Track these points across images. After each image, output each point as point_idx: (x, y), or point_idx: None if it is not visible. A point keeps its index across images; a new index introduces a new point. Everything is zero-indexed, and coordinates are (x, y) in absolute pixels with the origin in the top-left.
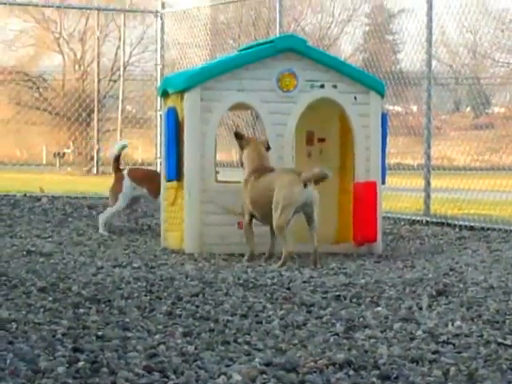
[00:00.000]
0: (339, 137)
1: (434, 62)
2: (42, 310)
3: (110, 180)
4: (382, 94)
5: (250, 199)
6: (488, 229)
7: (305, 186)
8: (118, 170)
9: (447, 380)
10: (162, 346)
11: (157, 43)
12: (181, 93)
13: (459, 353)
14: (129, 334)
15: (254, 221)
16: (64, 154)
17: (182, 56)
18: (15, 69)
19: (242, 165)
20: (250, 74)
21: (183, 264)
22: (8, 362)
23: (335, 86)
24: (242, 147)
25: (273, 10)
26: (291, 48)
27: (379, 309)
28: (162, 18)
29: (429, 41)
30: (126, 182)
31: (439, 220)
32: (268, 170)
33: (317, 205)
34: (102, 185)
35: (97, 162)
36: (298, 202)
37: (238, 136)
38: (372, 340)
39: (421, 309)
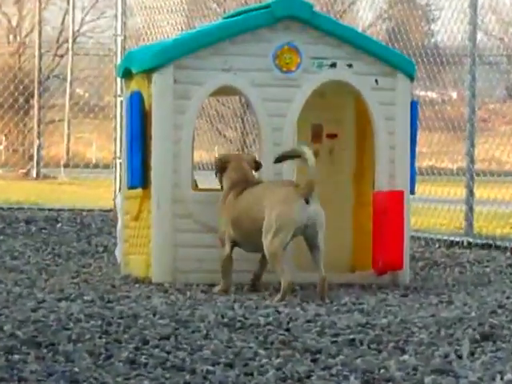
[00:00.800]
0: (355, 132)
1: (479, 35)
2: None
3: (54, 186)
4: (411, 77)
5: (230, 222)
6: None
7: (306, 201)
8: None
9: None
10: None
11: (116, 7)
12: (148, 73)
13: None
14: None
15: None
16: None
17: (150, 24)
18: None
19: (222, 189)
20: (239, 48)
21: (150, 297)
22: None
23: (350, 66)
24: (221, 170)
25: None
26: (292, 15)
27: (406, 357)
28: None
29: (473, 6)
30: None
31: (485, 241)
32: (252, 184)
33: (322, 226)
34: (43, 192)
35: (37, 163)
36: (298, 223)
37: (220, 162)
38: None
39: (460, 357)
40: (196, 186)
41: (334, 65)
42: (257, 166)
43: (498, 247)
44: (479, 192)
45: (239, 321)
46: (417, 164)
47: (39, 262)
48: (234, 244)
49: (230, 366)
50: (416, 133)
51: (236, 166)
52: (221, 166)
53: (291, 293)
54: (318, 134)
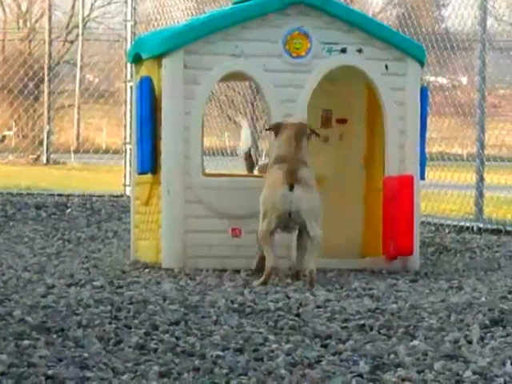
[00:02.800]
0: (365, 117)
1: (489, 20)
2: None
3: (64, 172)
4: (421, 62)
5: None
6: None
7: (291, 188)
8: (251, 169)
9: None
10: None
11: None
12: (158, 58)
13: None
14: (88, 374)
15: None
16: (4, 137)
17: (160, 10)
18: None
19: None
20: (249, 33)
21: (160, 282)
22: None
23: (360, 51)
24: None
25: None
26: (303, 0)
27: (416, 342)
28: None
29: None
30: None
31: (495, 227)
32: (287, 160)
33: (310, 213)
34: (53, 177)
35: (47, 148)
36: (280, 210)
37: (273, 128)
38: (406, 383)
39: (470, 343)
40: (204, 172)
41: (344, 50)
42: (313, 133)
43: (508, 232)
44: (489, 177)
45: (249, 306)
46: (427, 149)
47: (49, 247)
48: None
49: (240, 351)
50: (426, 118)
51: (287, 134)
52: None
53: (273, 277)
54: (329, 119)
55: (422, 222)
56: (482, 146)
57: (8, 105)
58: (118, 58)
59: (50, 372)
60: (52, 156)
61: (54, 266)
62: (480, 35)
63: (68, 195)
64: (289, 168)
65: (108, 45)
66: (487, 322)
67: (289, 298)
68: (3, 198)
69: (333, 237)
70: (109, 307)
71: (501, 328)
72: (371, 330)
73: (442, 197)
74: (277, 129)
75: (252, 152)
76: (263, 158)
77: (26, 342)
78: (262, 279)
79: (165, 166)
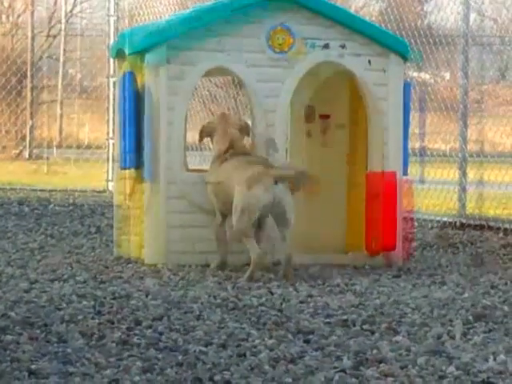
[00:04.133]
0: (348, 113)
1: (472, 16)
2: None
3: (46, 167)
4: (404, 57)
5: (213, 191)
6: None
7: (275, 182)
8: None
9: None
10: None
11: None
12: (141, 53)
13: None
14: (71, 369)
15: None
16: None
17: (143, 5)
18: None
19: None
20: (232, 29)
21: (142, 278)
22: None
23: (343, 46)
24: (209, 136)
25: None
26: None
27: (399, 338)
28: None
29: None
30: None
31: (478, 222)
32: (235, 154)
33: (289, 204)
34: (35, 173)
35: (30, 143)
36: (264, 202)
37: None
38: (389, 379)
39: (453, 338)
40: (187, 167)
41: (326, 46)
42: (246, 131)
43: (490, 228)
44: (472, 173)
45: (232, 302)
46: (409, 145)
47: (32, 242)
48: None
49: (223, 346)
50: (409, 114)
51: (222, 133)
52: (207, 132)
53: (260, 270)
54: (311, 114)
55: (405, 218)
56: (464, 141)
57: None
58: (101, 53)
59: (33, 367)
60: (34, 151)
61: (36, 261)
62: (463, 31)
63: (50, 190)
64: (272, 164)
65: (91, 40)
66: (470, 318)
67: (272, 293)
68: None
69: (316, 232)
70: (92, 302)
71: (484, 323)
72: (354, 325)
73: (425, 193)
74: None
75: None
76: None
77: (9, 337)
78: (247, 274)
79: (147, 161)
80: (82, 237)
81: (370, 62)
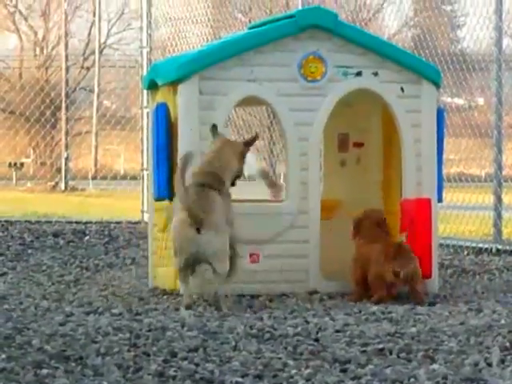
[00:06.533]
0: (382, 140)
1: (505, 40)
2: None
3: (82, 198)
4: (437, 84)
5: None
6: None
7: (198, 231)
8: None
9: None
10: None
11: (142, 19)
12: (173, 84)
13: None
14: None
15: None
16: (22, 164)
17: (176, 36)
18: None
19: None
20: (264, 58)
21: (178, 309)
22: None
23: (376, 74)
24: None
25: None
26: (317, 24)
27: (436, 366)
28: None
29: (498, 12)
30: None
31: None
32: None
33: (214, 255)
34: (71, 204)
35: (65, 175)
36: (188, 252)
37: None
38: None
39: (490, 365)
40: None
41: (359, 73)
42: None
43: None
44: (507, 198)
45: (268, 331)
46: (444, 171)
47: (67, 275)
48: None
49: (260, 377)
50: (443, 140)
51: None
52: None
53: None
54: (345, 143)
55: (441, 244)
56: (499, 167)
57: (25, 132)
58: (135, 84)
59: None
60: (70, 183)
61: (72, 294)
62: (496, 55)
63: (86, 222)
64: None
65: (124, 71)
66: (507, 345)
67: (308, 322)
68: (21, 226)
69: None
70: (127, 335)
71: None
72: (390, 353)
73: (461, 219)
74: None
75: (262, 174)
76: (282, 181)
77: (45, 371)
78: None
79: None
80: (117, 269)
81: (402, 89)
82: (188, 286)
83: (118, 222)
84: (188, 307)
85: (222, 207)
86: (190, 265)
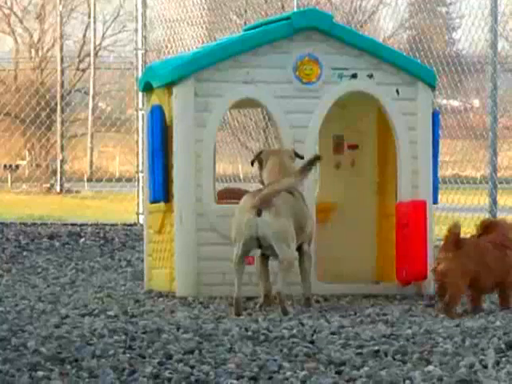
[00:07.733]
0: (377, 143)
1: (500, 42)
2: None
3: (78, 200)
4: (432, 86)
5: None
6: None
7: (258, 213)
8: None
9: None
10: None
11: (137, 21)
12: (169, 86)
13: None
14: None
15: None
16: (17, 166)
17: (171, 37)
18: None
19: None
20: (260, 60)
21: (174, 311)
22: None
23: (371, 76)
24: (261, 166)
25: None
26: (313, 26)
27: (431, 368)
28: None
29: (494, 14)
30: None
31: None
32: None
33: (278, 238)
34: (66, 206)
35: (60, 177)
36: (246, 236)
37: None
38: None
39: (485, 367)
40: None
41: (354, 75)
42: (296, 156)
43: None
44: (502, 200)
45: (263, 334)
46: (440, 173)
47: (62, 277)
48: None
49: (255, 379)
50: (438, 142)
51: (275, 161)
52: (260, 164)
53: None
54: (340, 145)
55: (436, 247)
56: (494, 169)
57: (20, 134)
58: (130, 86)
59: None
60: (65, 185)
61: (67, 296)
62: (491, 58)
63: (81, 224)
64: (261, 194)
65: (119, 73)
66: (502, 346)
67: (303, 324)
68: (17, 229)
69: (346, 262)
70: (123, 337)
71: None
72: (386, 355)
73: (456, 220)
74: (260, 159)
75: None
76: None
77: (40, 373)
78: (234, 311)
79: (177, 194)
80: (112, 271)
81: (398, 91)
82: (241, 279)
83: (113, 224)
84: (238, 302)
85: (289, 200)
86: (248, 251)
